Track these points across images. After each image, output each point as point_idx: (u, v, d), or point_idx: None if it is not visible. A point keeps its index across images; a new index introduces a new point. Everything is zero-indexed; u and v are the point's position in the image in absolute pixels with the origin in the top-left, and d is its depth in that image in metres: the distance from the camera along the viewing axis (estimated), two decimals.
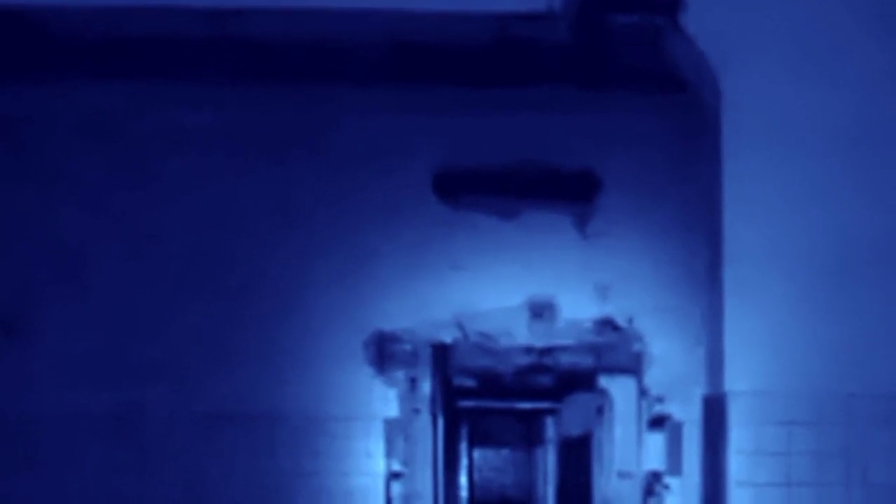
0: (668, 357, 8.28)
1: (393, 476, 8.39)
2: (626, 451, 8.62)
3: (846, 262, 6.04)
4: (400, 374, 8.38)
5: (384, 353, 8.35)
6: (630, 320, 8.35)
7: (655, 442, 8.36)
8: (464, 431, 17.01)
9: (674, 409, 8.25)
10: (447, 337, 8.41)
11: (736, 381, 6.01)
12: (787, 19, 6.11)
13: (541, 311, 8.36)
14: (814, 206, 6.06)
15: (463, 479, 17.60)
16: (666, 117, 8.22)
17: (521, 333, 8.40)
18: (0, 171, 8.35)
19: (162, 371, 8.26)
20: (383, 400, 8.36)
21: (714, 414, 6.25)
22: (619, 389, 8.62)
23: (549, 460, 16.13)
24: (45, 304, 8.31)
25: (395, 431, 8.36)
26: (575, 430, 11.03)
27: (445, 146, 8.37)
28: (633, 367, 8.42)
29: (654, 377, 8.32)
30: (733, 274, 6.06)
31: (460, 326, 8.37)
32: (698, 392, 6.76)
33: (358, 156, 8.35)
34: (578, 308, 8.37)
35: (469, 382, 9.47)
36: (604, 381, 8.72)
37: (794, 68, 6.10)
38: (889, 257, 6.05)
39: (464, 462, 17.71)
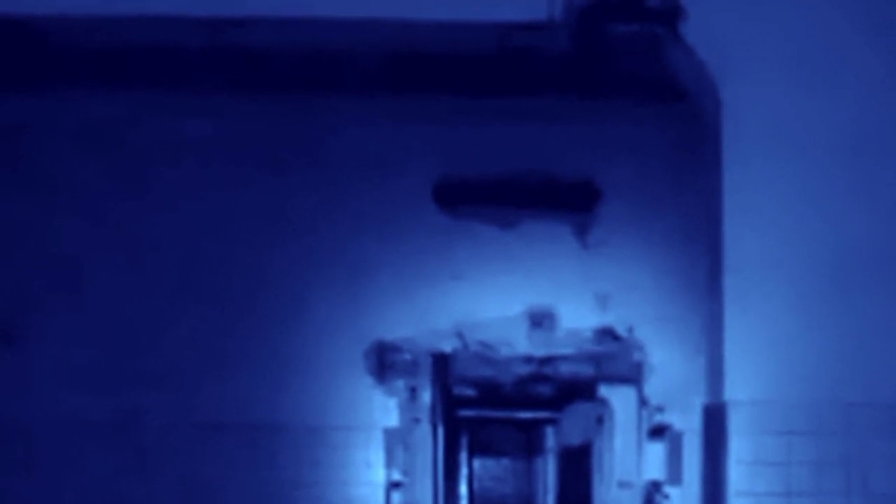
0: (668, 366, 8.27)
1: (393, 486, 8.38)
2: (627, 460, 8.61)
3: (846, 271, 6.04)
4: (400, 384, 8.37)
5: (384, 362, 8.35)
6: (630, 330, 8.34)
7: (655, 451, 8.34)
8: (464, 441, 16.97)
9: (674, 419, 8.24)
10: (447, 346, 8.40)
11: (736, 390, 6.01)
12: (786, 28, 6.11)
13: (541, 320, 8.35)
14: (814, 216, 6.06)
15: (463, 489, 17.56)
16: (666, 126, 8.22)
17: (521, 343, 8.39)
18: None
19: (160, 380, 8.25)
20: (383, 409, 8.35)
21: (714, 423, 6.25)
22: (619, 399, 8.60)
23: (549, 470, 16.09)
24: (44, 312, 8.31)
25: (395, 441, 8.35)
26: (575, 440, 11.01)
27: (445, 156, 8.37)
28: (633, 376, 8.41)
29: (654, 386, 8.31)
30: (733, 283, 6.05)
31: (460, 336, 8.36)
32: (698, 401, 6.75)
33: (357, 165, 8.35)
34: (578, 317, 8.36)
35: (469, 392, 9.45)
36: (604, 391, 8.70)
37: (794, 77, 6.10)
38: (888, 266, 6.04)
39: (464, 471, 17.67)
